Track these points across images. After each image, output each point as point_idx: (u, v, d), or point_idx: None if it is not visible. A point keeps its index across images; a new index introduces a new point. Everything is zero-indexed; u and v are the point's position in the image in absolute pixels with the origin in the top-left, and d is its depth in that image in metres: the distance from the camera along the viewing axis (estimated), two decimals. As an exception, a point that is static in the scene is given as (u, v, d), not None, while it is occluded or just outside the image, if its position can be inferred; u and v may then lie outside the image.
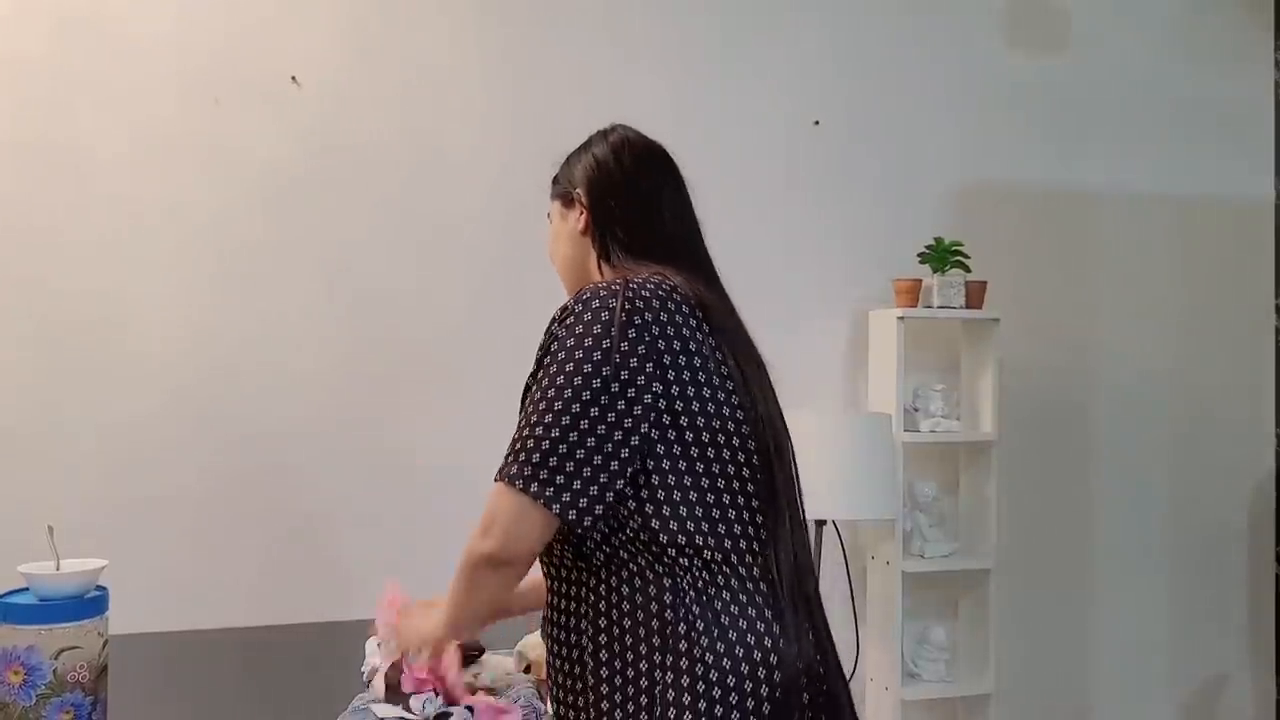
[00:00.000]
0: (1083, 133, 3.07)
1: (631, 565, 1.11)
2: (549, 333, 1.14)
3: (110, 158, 2.36)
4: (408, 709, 1.78)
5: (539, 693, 1.89)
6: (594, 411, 1.08)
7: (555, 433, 1.08)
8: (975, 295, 2.77)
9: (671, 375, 1.10)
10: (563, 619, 1.17)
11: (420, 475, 2.52)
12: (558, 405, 1.08)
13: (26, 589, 1.43)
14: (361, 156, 2.51)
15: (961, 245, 2.72)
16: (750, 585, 1.12)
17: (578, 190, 1.30)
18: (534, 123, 2.60)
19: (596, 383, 1.08)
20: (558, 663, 1.18)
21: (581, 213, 1.29)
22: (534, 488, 1.08)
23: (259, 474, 2.40)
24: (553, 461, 1.08)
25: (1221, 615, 3.18)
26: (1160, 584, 3.12)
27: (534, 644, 1.99)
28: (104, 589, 1.47)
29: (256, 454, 2.40)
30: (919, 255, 2.75)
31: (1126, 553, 3.09)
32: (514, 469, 1.09)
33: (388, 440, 2.50)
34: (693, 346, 1.13)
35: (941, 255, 2.71)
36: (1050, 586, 3.02)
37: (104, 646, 1.41)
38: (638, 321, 1.10)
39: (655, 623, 1.08)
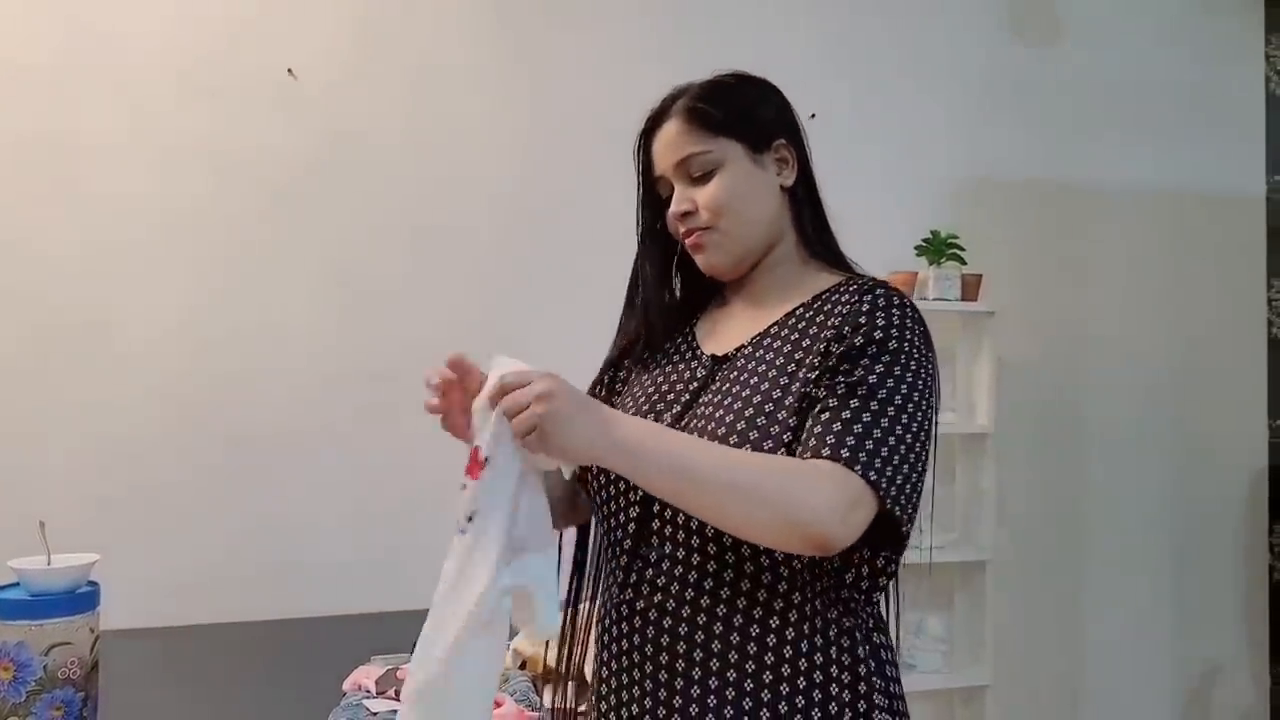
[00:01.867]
0: (1078, 127, 3.06)
1: (828, 596, 1.02)
2: (891, 319, 1.01)
3: (105, 152, 2.34)
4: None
5: (534, 687, 1.88)
6: (930, 428, 1.00)
7: (910, 442, 0.97)
8: (971, 288, 2.76)
9: None
10: (726, 633, 1.00)
11: (416, 475, 2.49)
12: (917, 414, 0.98)
13: (17, 584, 1.41)
14: (362, 153, 2.49)
15: (958, 238, 2.72)
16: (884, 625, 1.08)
17: (781, 141, 1.15)
18: (536, 119, 2.57)
19: (936, 401, 1.03)
20: (694, 672, 1.00)
21: (783, 168, 1.14)
22: (888, 498, 0.94)
23: (252, 470, 2.38)
24: (906, 474, 0.95)
25: (1216, 606, 3.18)
26: (1156, 575, 3.12)
27: (530, 640, 1.99)
28: (95, 584, 1.46)
29: (250, 450, 2.39)
30: (915, 248, 2.74)
31: (1122, 544, 3.09)
32: (873, 471, 0.93)
33: (384, 439, 2.48)
34: None
35: (938, 248, 2.70)
36: (1046, 578, 3.02)
37: (95, 642, 1.40)
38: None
39: (835, 668, 1.00)
